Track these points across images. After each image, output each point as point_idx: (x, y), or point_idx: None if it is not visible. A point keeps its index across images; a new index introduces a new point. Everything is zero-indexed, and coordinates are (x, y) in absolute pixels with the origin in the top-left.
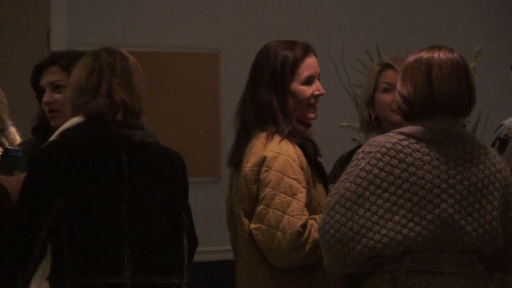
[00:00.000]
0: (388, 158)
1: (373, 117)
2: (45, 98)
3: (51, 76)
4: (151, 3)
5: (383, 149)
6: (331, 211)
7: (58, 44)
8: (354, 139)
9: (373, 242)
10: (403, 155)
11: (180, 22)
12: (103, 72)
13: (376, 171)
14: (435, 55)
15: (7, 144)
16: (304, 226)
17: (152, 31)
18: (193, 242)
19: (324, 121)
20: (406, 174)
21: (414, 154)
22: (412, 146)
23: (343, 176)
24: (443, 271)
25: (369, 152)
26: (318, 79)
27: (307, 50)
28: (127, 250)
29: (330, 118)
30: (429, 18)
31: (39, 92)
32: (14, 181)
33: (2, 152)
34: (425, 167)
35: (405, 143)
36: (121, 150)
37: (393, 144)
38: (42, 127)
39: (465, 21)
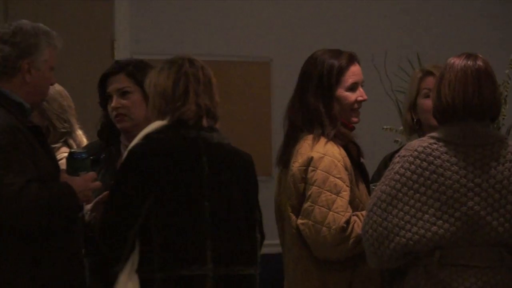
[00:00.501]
0: (419, 161)
1: (414, 120)
2: (113, 103)
3: (118, 83)
4: (207, 13)
5: (415, 152)
6: (370, 212)
7: (122, 53)
8: (396, 141)
9: (404, 239)
10: (432, 158)
11: (234, 32)
12: (189, 80)
13: (408, 173)
14: (451, 62)
15: (74, 146)
16: (347, 222)
17: (208, 40)
18: (262, 236)
19: (368, 124)
20: (435, 175)
21: (442, 156)
22: (441, 149)
23: (381, 179)
24: (473, 264)
25: (404, 156)
26: (362, 85)
27: (352, 58)
28: (209, 243)
29: (374, 121)
30: (468, 28)
31: (105, 98)
32: (80, 181)
33: (68, 155)
34: (452, 168)
35: (435, 146)
36: (201, 151)
37: (424, 147)
38: (107, 131)
39: (501, 30)
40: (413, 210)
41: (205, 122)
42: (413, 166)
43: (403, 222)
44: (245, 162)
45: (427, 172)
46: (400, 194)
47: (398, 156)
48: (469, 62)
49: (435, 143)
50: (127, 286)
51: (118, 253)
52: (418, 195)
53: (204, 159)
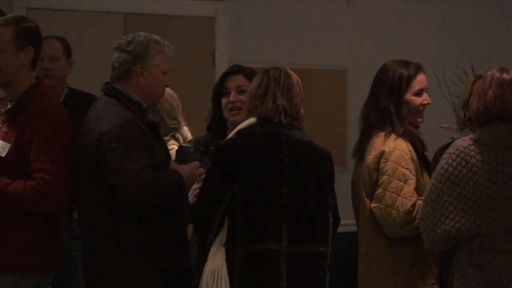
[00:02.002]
0: (459, 159)
1: (466, 117)
2: (231, 97)
3: (237, 81)
4: (292, 28)
5: (457, 151)
6: (424, 202)
7: (221, 62)
8: (452, 137)
9: (448, 227)
10: (469, 157)
11: (315, 44)
12: (270, 84)
13: (451, 169)
14: (485, 75)
15: (181, 140)
16: (413, 205)
17: (292, 51)
18: (336, 220)
19: (430, 123)
20: (471, 173)
21: (477, 157)
22: (477, 150)
23: (433, 173)
24: (509, 249)
25: (449, 153)
26: (426, 91)
27: (419, 68)
28: (285, 224)
29: (434, 121)
30: None
31: (219, 95)
32: (186, 169)
33: (178, 148)
34: (485, 167)
35: (472, 147)
36: (283, 146)
37: (464, 148)
38: (214, 126)
39: None
40: (455, 201)
41: (283, 119)
42: (454, 163)
43: (447, 212)
44: (323, 156)
45: (465, 170)
46: (445, 187)
47: (446, 153)
48: (497, 74)
49: (473, 145)
50: (216, 257)
51: (208, 229)
52: (458, 188)
53: (285, 153)
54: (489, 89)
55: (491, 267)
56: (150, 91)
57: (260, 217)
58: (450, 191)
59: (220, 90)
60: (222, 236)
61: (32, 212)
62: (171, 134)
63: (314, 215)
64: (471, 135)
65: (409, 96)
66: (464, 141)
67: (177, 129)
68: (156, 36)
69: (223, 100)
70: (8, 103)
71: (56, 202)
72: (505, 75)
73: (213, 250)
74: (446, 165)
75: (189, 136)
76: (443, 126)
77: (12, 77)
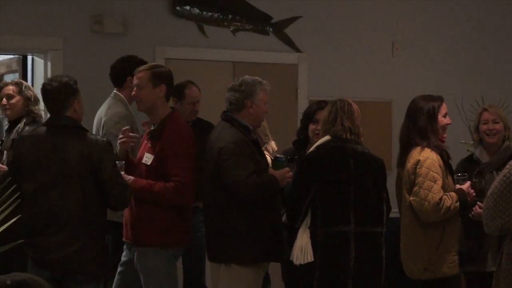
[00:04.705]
0: None
1: (478, 137)
2: (319, 126)
3: (321, 115)
4: (350, 70)
5: None
6: (487, 199)
7: (302, 97)
8: (468, 150)
9: (503, 221)
10: None
11: (365, 81)
12: (338, 111)
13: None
14: None
15: (270, 151)
16: (440, 199)
17: (350, 87)
18: (388, 209)
19: (452, 140)
20: None
21: None
22: None
23: (498, 177)
24: None
25: (510, 164)
26: (447, 115)
27: (442, 100)
28: (352, 212)
29: (455, 138)
30: None
31: (309, 121)
32: (280, 173)
33: (273, 158)
34: None
35: None
36: (349, 156)
37: None
38: (299, 142)
39: None
40: (511, 203)
41: (348, 136)
42: None
43: (504, 210)
44: (378, 163)
45: None
46: (505, 191)
47: (509, 163)
48: None
49: None
50: (303, 236)
51: (297, 216)
52: None
53: (351, 161)
54: None
55: None
56: (256, 118)
57: (334, 207)
58: (509, 194)
59: (311, 119)
60: (307, 221)
61: (170, 205)
62: (264, 147)
63: (373, 205)
64: None
65: (440, 118)
66: None
67: (268, 143)
68: (258, 78)
69: (312, 126)
70: (152, 125)
71: (188, 198)
72: None
73: (300, 231)
74: (508, 174)
75: (275, 147)
76: (462, 142)
77: (151, 106)
